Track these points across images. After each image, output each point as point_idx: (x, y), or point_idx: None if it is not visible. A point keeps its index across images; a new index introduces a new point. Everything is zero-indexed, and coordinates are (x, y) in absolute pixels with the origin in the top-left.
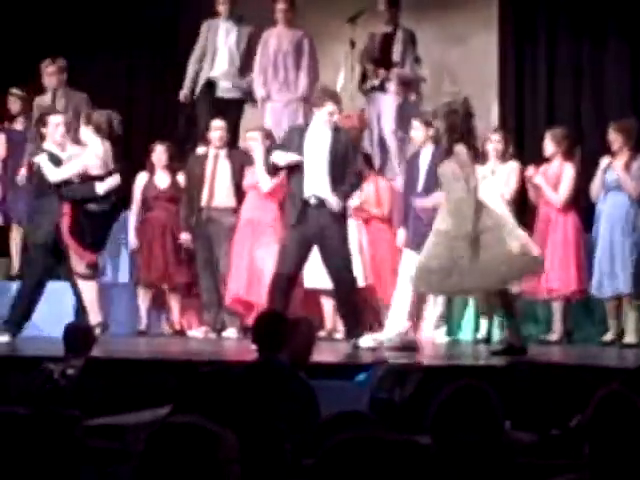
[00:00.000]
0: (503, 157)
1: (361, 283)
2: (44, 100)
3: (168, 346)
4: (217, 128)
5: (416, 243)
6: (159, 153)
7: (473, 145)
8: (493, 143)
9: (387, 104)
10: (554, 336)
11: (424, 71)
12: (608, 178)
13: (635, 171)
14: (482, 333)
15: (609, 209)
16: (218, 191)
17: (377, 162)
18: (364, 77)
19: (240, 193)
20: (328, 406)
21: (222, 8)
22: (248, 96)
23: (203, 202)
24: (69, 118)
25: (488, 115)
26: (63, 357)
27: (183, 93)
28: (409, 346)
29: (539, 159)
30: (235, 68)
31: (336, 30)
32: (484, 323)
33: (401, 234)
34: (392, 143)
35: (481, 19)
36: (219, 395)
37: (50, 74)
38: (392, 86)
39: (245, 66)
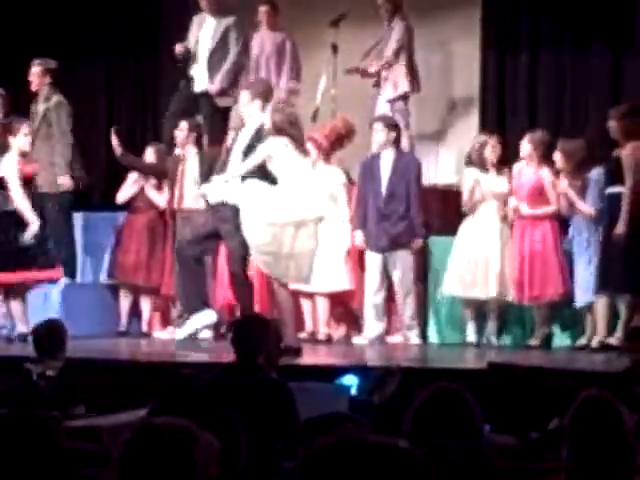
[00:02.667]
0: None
1: (346, 286)
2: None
3: (147, 347)
4: (180, 129)
5: (379, 246)
6: (148, 155)
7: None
8: (492, 149)
9: (383, 102)
10: (534, 341)
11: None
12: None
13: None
14: (471, 336)
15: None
16: (187, 193)
17: None
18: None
19: None
20: (308, 408)
21: (203, 3)
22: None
23: (175, 204)
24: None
25: (469, 119)
26: (39, 358)
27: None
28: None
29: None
30: (208, 65)
31: (318, 34)
32: (472, 326)
33: (359, 236)
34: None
35: (463, 24)
36: (197, 397)
37: (32, 75)
38: (386, 84)
39: (217, 56)
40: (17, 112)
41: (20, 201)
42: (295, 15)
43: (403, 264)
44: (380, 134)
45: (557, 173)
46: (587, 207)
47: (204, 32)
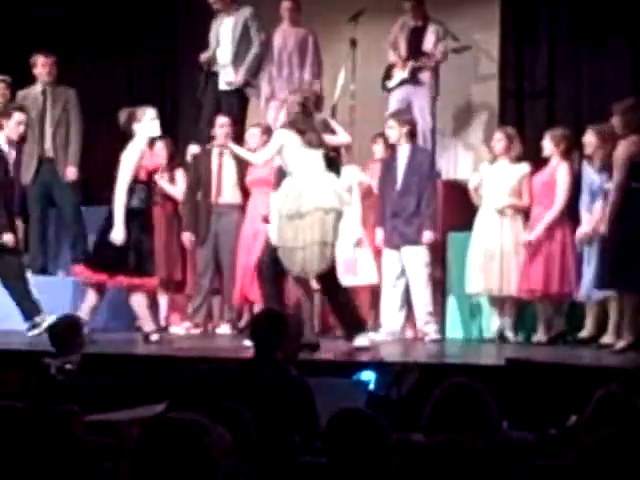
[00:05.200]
0: (509, 155)
1: (373, 280)
2: (30, 94)
3: (165, 342)
4: (221, 125)
5: (393, 243)
6: (159, 149)
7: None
8: (495, 141)
9: (420, 97)
10: (543, 337)
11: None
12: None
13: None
14: (493, 331)
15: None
16: (225, 188)
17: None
18: (387, 74)
19: (244, 190)
20: (325, 403)
21: (216, 6)
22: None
23: (212, 199)
24: (57, 113)
25: (489, 114)
26: (57, 353)
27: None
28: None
29: (538, 159)
30: (233, 59)
31: (338, 29)
32: (496, 321)
33: (379, 234)
34: (427, 138)
35: (482, 18)
36: (216, 392)
37: (43, 66)
38: (426, 77)
39: (242, 51)
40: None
41: (118, 196)
42: (314, 10)
43: (416, 260)
44: (394, 130)
45: (588, 158)
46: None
47: (224, 32)
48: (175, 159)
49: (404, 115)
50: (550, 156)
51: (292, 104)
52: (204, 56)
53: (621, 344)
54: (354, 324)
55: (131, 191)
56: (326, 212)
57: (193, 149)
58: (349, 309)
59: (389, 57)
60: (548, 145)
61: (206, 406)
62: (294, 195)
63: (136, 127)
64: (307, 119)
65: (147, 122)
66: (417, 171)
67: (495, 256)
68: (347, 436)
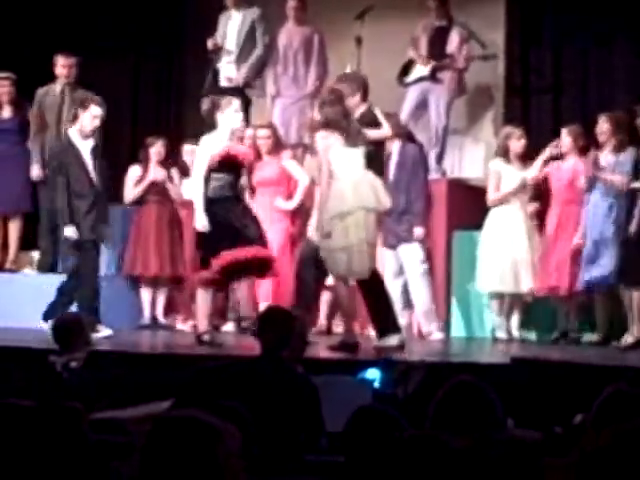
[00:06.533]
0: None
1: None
2: (49, 92)
3: (171, 340)
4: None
5: (389, 242)
6: (158, 147)
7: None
8: (517, 140)
9: (437, 94)
10: (555, 334)
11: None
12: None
13: (623, 162)
14: (495, 330)
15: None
16: None
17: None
18: (405, 69)
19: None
20: (331, 402)
21: (226, 1)
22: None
23: None
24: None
25: (494, 113)
26: (63, 350)
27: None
28: (349, 344)
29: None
30: (237, 56)
31: (343, 27)
32: (497, 320)
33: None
34: (440, 136)
35: (488, 16)
36: (222, 390)
37: (63, 67)
38: (446, 77)
39: (246, 50)
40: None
41: (195, 186)
42: (319, 9)
43: (411, 257)
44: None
45: (598, 147)
46: (619, 178)
47: (231, 27)
48: (170, 158)
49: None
50: (567, 153)
51: (331, 103)
52: (211, 42)
53: (630, 339)
54: (388, 324)
55: (206, 181)
56: (368, 212)
57: (188, 148)
58: (387, 310)
59: (409, 54)
60: (566, 140)
61: (211, 404)
62: (336, 196)
63: (219, 117)
64: (346, 118)
65: (230, 113)
66: (406, 168)
67: (519, 253)
68: (368, 434)
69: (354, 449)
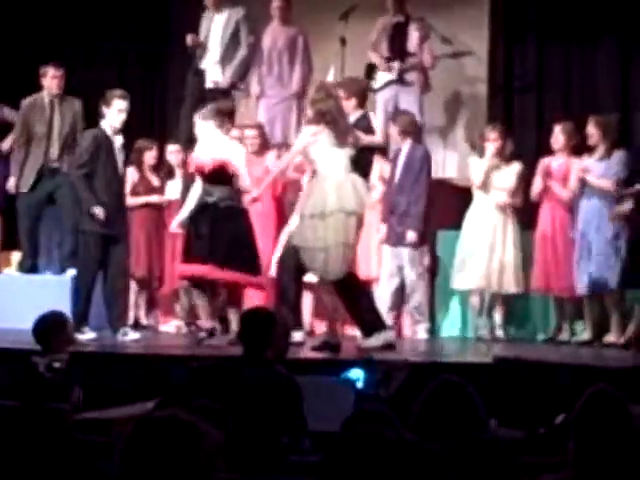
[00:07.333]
0: (501, 155)
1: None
2: (36, 103)
3: (155, 340)
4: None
5: (390, 240)
6: (153, 152)
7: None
8: (491, 141)
9: (408, 95)
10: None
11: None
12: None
13: (613, 166)
14: (478, 329)
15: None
16: None
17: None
18: (369, 73)
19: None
20: (314, 402)
21: (207, 1)
22: (232, 89)
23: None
24: (64, 124)
25: (477, 112)
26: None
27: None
28: (332, 344)
29: (526, 157)
30: (221, 58)
31: (327, 27)
32: (478, 319)
33: (383, 230)
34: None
35: (471, 16)
36: (205, 390)
37: (52, 78)
38: (413, 77)
39: (230, 51)
40: None
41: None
42: (303, 9)
43: (407, 259)
44: (392, 129)
45: (589, 150)
46: (607, 183)
47: (215, 27)
48: (161, 163)
49: (400, 114)
50: (559, 149)
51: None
52: (190, 38)
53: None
54: (371, 324)
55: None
56: (348, 214)
57: (171, 148)
58: (368, 310)
59: (371, 58)
60: (560, 138)
61: (194, 404)
62: (318, 195)
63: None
64: (339, 113)
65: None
66: (412, 170)
67: (496, 252)
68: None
69: (354, 449)
